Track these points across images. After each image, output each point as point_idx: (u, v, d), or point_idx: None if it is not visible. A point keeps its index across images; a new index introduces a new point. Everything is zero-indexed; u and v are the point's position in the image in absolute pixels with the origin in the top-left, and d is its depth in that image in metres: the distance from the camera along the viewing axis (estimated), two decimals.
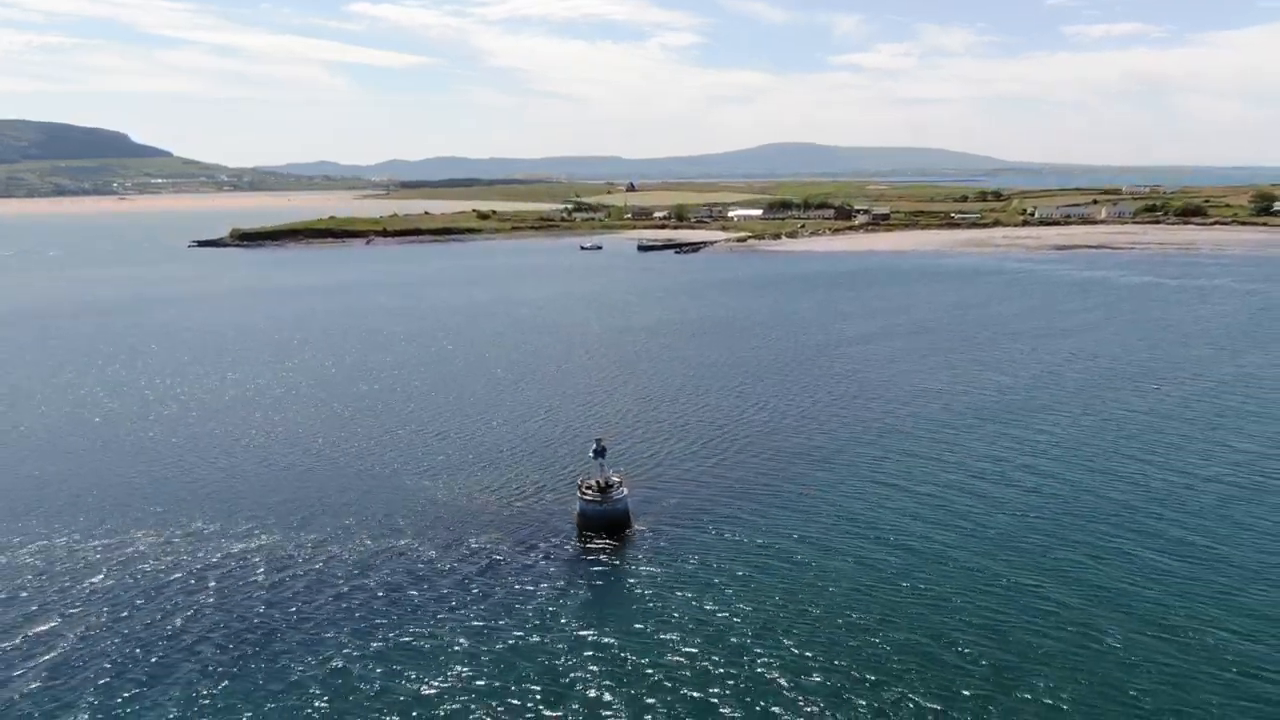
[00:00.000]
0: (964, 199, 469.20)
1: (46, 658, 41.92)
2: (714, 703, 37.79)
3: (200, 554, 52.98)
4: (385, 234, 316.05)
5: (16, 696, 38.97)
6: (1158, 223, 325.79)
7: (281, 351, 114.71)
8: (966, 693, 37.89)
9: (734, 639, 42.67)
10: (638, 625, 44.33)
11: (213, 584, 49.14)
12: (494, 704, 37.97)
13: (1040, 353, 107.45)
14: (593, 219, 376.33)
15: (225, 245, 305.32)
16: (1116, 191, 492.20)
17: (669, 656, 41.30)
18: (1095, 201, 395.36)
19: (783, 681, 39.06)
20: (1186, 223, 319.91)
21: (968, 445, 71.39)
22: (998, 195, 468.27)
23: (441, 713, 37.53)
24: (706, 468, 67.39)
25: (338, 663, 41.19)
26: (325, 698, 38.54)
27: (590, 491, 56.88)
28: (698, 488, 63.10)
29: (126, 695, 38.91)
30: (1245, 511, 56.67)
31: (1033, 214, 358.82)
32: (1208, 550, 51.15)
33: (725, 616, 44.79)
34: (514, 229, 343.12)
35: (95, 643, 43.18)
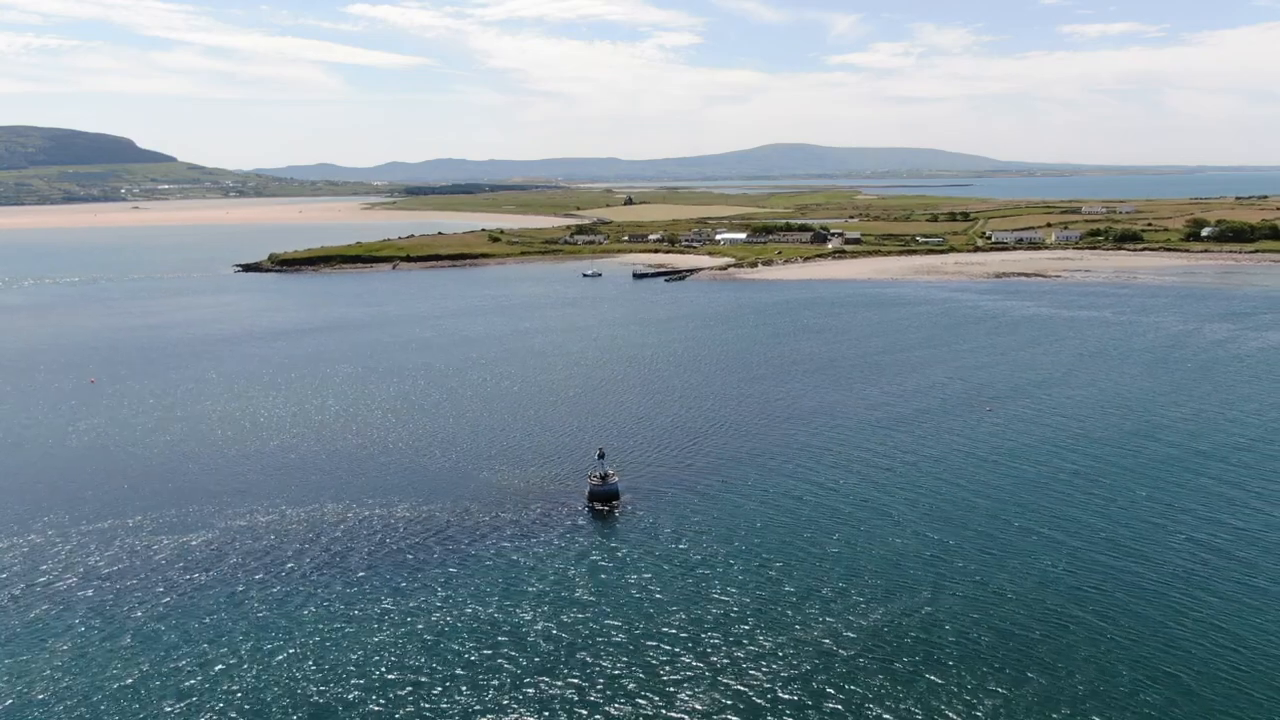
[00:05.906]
0: (935, 218, 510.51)
1: (304, 588, 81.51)
2: (671, 582, 77.28)
3: (354, 517, 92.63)
4: (409, 259, 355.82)
5: (301, 597, 78.43)
6: (1096, 248, 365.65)
7: (370, 379, 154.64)
8: (842, 592, 77.58)
9: (687, 556, 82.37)
10: (626, 549, 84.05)
11: (365, 534, 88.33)
12: (545, 587, 77.29)
13: (924, 373, 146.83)
14: (593, 241, 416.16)
15: (266, 270, 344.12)
16: (1077, 210, 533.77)
17: (645, 565, 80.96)
18: (1049, 225, 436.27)
19: (715, 577, 78.44)
20: (1120, 248, 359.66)
21: (854, 446, 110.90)
22: (965, 216, 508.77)
23: (511, 591, 76.83)
24: (672, 463, 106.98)
25: (452, 568, 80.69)
26: (448, 587, 77.93)
27: (595, 478, 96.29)
28: (666, 477, 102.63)
29: (335, 576, 78.52)
30: (996, 476, 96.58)
31: (989, 237, 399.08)
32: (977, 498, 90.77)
33: (680, 545, 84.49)
34: (523, 253, 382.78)
35: (318, 557, 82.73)
